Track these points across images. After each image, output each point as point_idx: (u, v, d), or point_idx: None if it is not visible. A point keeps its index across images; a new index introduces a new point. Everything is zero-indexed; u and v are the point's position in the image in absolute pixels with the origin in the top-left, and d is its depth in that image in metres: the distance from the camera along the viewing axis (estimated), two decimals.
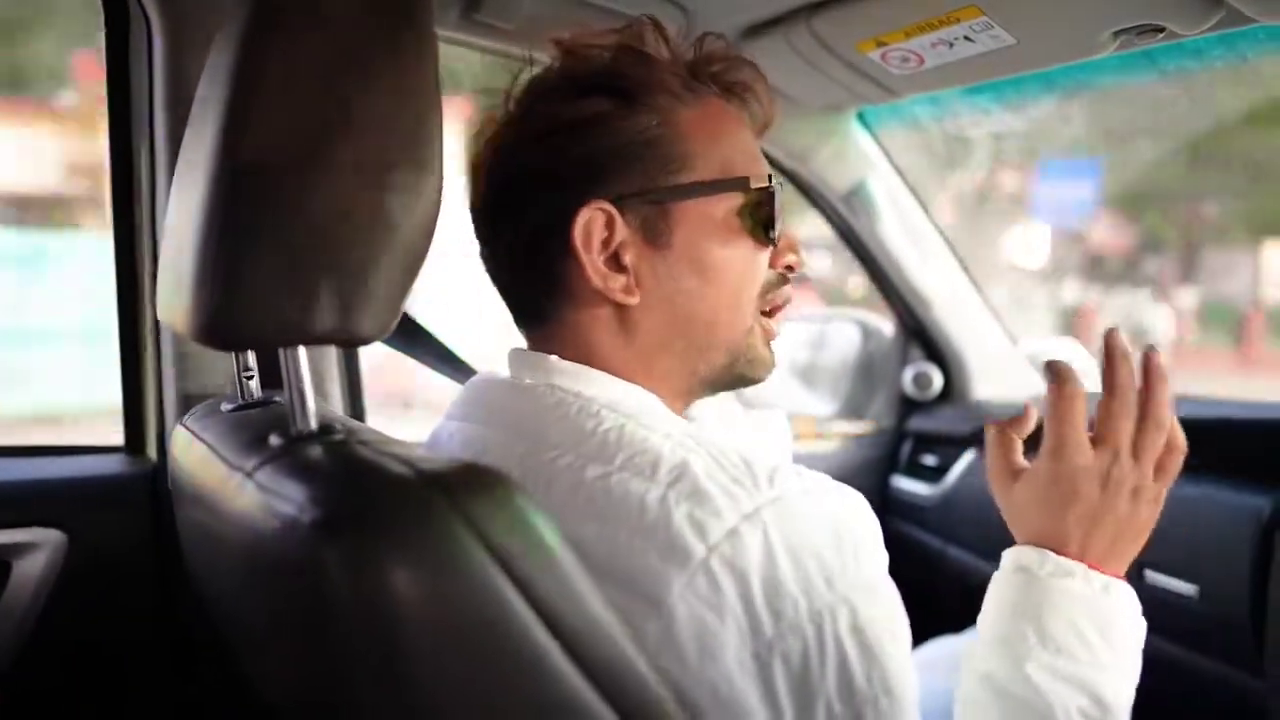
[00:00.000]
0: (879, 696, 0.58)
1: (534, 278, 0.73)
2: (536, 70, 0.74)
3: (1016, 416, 0.78)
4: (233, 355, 0.80)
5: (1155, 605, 0.77)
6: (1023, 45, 1.09)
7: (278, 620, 0.60)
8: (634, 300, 0.70)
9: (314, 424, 0.59)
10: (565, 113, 0.70)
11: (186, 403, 1.06)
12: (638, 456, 0.61)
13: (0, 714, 1.02)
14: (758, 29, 1.23)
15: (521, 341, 0.77)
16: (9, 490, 1.05)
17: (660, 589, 0.57)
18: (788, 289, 0.77)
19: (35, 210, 5.03)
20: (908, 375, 1.81)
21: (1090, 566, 0.70)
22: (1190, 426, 0.74)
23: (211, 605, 0.80)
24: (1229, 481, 1.14)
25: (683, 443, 0.62)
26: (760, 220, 0.72)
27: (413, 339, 1.32)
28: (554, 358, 0.71)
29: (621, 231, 0.69)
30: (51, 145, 4.90)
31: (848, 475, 1.81)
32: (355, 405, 1.27)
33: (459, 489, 0.49)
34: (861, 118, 1.59)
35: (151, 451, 1.14)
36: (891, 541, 0.63)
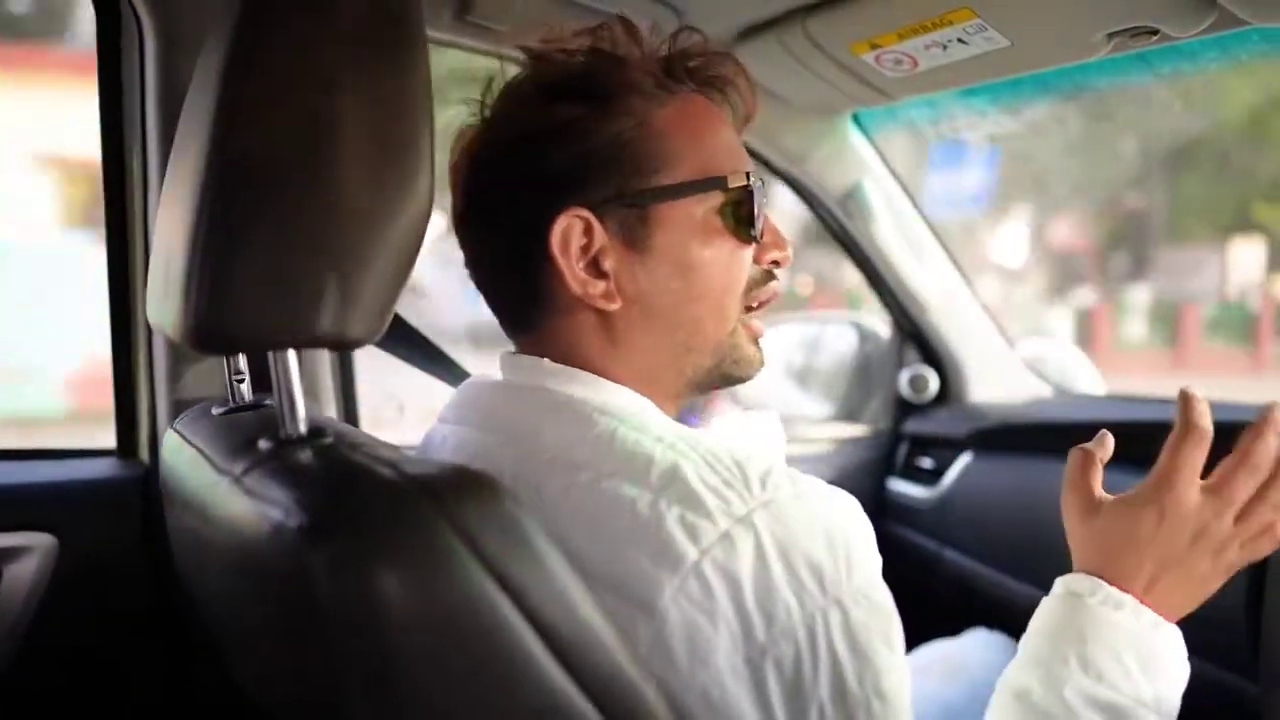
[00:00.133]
0: (871, 700, 0.58)
1: (516, 286, 0.72)
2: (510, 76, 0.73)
3: (1100, 440, 0.76)
4: (223, 358, 0.79)
5: None
6: (1017, 47, 1.09)
7: (268, 625, 0.60)
8: (615, 306, 0.69)
9: (303, 428, 0.59)
10: (538, 120, 0.69)
11: (179, 406, 1.06)
12: (629, 460, 0.61)
13: None
14: (751, 31, 1.24)
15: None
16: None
17: (652, 593, 0.56)
18: (774, 285, 0.76)
19: None
20: (904, 378, 1.81)
21: (1144, 604, 0.70)
22: None
23: (203, 609, 0.80)
24: None
25: (674, 446, 0.62)
26: (741, 218, 0.71)
27: (404, 342, 1.31)
28: (546, 361, 0.70)
29: (600, 237, 0.68)
30: None
31: (844, 478, 1.82)
32: (349, 409, 1.26)
33: (447, 493, 0.49)
34: (857, 120, 1.59)
35: (144, 455, 1.14)
36: (887, 544, 0.63)
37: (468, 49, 1.20)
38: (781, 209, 1.64)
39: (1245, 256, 11.11)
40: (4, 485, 1.05)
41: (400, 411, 1.54)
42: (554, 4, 1.12)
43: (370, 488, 0.50)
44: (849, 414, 1.87)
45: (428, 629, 0.47)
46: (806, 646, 0.56)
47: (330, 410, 1.20)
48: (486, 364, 0.82)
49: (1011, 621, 0.76)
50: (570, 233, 0.68)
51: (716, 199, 0.70)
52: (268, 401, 0.75)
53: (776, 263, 0.75)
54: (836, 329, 1.95)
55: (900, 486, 1.78)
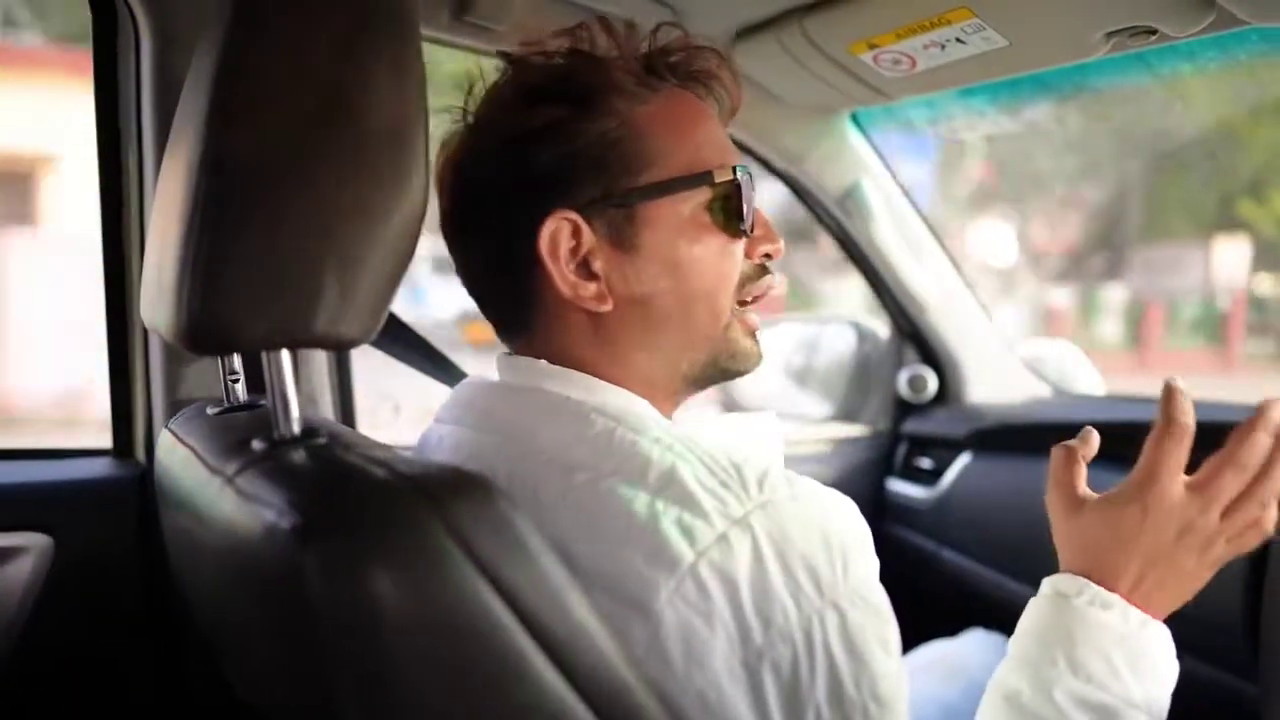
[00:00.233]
0: (868, 703, 0.57)
1: (506, 290, 0.72)
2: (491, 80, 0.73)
3: (1084, 437, 0.76)
4: (218, 358, 0.79)
5: None
6: (1015, 47, 1.09)
7: (261, 626, 0.59)
8: (607, 308, 0.69)
9: (297, 428, 0.59)
10: (520, 124, 0.68)
11: (175, 406, 1.05)
12: (626, 461, 0.61)
13: None
14: (749, 30, 1.23)
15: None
16: None
17: (648, 594, 0.56)
18: (768, 279, 0.75)
19: None
20: (903, 378, 1.80)
21: (1131, 603, 0.70)
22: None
23: (198, 610, 0.79)
24: None
25: (672, 447, 0.61)
26: (730, 212, 0.70)
27: (399, 341, 1.31)
28: (543, 362, 0.70)
29: (589, 239, 0.68)
30: None
31: (843, 478, 1.82)
32: (346, 409, 1.26)
33: (440, 493, 0.49)
34: (855, 120, 1.59)
35: (140, 455, 1.14)
36: (886, 545, 0.62)
37: (466, 48, 1.20)
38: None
39: (1228, 254, 11.09)
40: None
41: (396, 412, 1.54)
42: (552, 3, 1.12)
43: (363, 488, 0.50)
44: (848, 414, 1.87)
45: (421, 630, 0.47)
46: (804, 649, 0.56)
47: (326, 411, 1.20)
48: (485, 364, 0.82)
49: (1010, 622, 0.75)
50: (558, 236, 0.67)
51: (704, 194, 0.70)
52: (262, 402, 0.75)
53: (769, 255, 0.75)
54: (835, 329, 1.95)
55: (899, 487, 1.78)
